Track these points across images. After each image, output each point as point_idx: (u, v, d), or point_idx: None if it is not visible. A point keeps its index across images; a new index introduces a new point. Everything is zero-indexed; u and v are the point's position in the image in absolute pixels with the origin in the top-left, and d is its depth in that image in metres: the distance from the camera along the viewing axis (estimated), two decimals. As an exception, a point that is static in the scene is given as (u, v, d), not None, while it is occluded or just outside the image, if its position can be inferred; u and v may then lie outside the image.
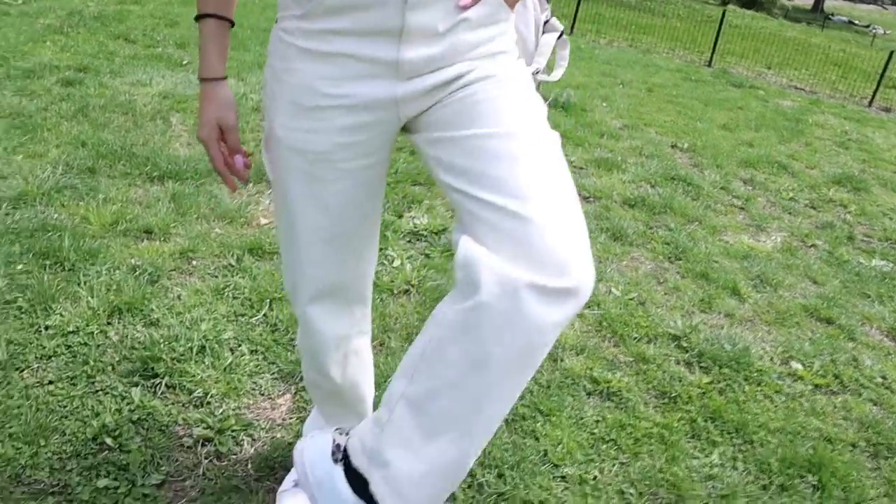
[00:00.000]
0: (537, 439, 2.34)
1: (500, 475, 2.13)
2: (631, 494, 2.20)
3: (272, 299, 2.83)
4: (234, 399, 2.29)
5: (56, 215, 3.23)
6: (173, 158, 4.01)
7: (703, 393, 2.75)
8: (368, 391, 1.89)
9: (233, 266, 3.04)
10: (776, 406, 2.77)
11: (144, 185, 3.72)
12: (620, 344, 2.99)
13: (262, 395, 2.36)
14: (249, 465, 2.07)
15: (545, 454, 2.28)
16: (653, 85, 8.91)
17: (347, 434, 1.30)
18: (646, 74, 9.67)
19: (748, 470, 2.41)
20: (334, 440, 1.30)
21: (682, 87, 9.34)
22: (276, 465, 2.08)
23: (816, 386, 2.97)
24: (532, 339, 1.09)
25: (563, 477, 2.22)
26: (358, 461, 1.24)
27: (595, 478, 2.24)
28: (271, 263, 3.12)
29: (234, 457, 2.10)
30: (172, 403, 2.24)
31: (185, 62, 6.17)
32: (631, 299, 3.37)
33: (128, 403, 2.19)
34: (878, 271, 4.20)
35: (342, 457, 1.27)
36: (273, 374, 2.44)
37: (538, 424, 2.41)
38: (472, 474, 2.15)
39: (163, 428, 2.12)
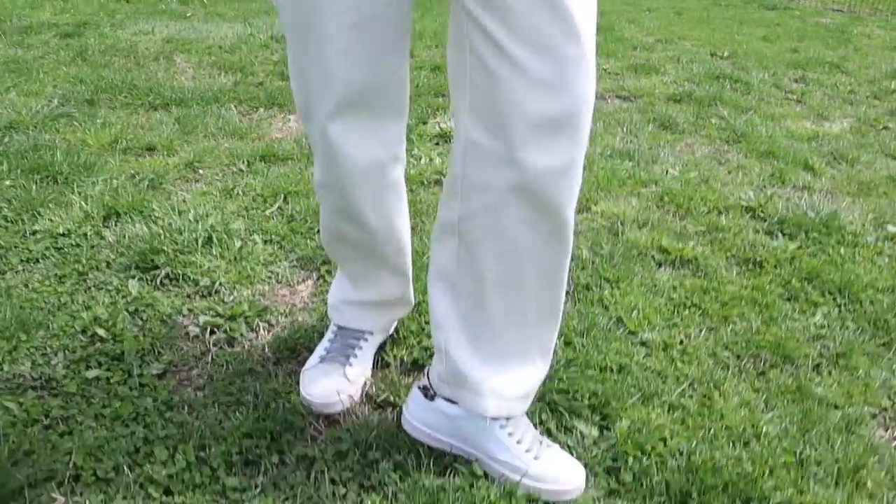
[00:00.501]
0: (606, 308, 1.96)
1: (567, 343, 1.76)
2: (727, 358, 1.82)
3: (287, 193, 2.49)
4: (248, 287, 1.95)
5: (50, 138, 2.92)
6: (178, 88, 3.68)
7: (793, 258, 2.34)
8: (406, 238, 1.53)
9: (243, 170, 2.71)
10: (880, 267, 2.36)
11: (147, 113, 3.40)
12: (687, 217, 2.60)
13: (280, 282, 2.01)
14: (267, 350, 1.73)
15: (619, 321, 1.91)
16: (681, 9, 8.41)
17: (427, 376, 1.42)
18: (673, 1, 9.16)
19: (861, 328, 2.01)
20: (418, 387, 1.44)
21: (713, 10, 8.81)
22: (298, 346, 1.74)
23: (921, 247, 2.54)
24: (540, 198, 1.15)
25: (642, 343, 1.85)
26: (444, 391, 1.38)
27: (681, 342, 1.86)
28: (286, 166, 2.77)
29: (248, 343, 1.76)
30: (175, 295, 1.91)
31: (188, 14, 5.86)
32: (692, 177, 2.97)
33: (124, 296, 1.87)
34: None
35: (433, 392, 1.41)
36: (291, 262, 2.10)
37: (605, 293, 2.04)
38: None
39: (164, 318, 1.79)
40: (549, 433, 1.52)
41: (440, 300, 1.31)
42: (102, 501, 1.29)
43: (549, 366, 1.36)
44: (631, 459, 1.45)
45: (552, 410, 1.58)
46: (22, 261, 2.04)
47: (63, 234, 2.16)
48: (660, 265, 2.25)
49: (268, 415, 1.48)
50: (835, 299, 2.16)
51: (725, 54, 5.72)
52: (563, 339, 1.79)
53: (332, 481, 1.37)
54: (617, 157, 3.13)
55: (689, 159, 3.21)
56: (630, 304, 1.98)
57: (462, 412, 1.36)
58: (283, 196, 2.47)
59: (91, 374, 1.60)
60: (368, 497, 1.32)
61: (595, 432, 1.53)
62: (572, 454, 1.43)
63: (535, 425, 1.49)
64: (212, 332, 1.78)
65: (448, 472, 1.39)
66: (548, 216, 1.17)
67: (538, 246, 1.19)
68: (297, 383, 1.59)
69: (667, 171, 3.02)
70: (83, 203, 2.33)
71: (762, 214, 2.67)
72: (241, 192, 2.49)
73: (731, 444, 1.50)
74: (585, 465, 1.41)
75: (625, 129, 3.52)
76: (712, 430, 1.54)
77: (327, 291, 1.91)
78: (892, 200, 2.95)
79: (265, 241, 2.19)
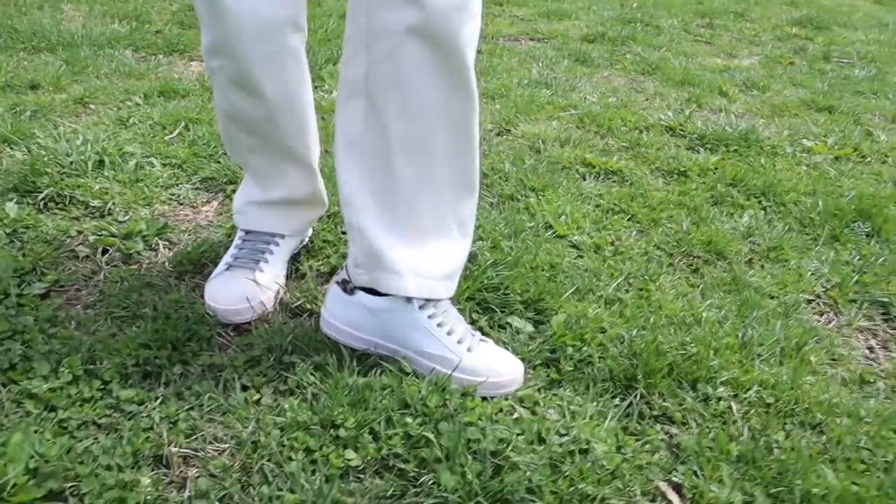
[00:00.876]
0: (532, 215, 1.86)
1: (493, 246, 1.65)
2: (659, 256, 1.74)
3: (189, 120, 2.29)
4: (145, 208, 1.76)
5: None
6: (66, 32, 3.38)
7: (716, 167, 2.30)
8: (310, 117, 1.38)
9: (139, 104, 2.49)
10: (800, 174, 2.34)
11: (31, 56, 3.10)
12: (608, 136, 2.53)
13: (182, 203, 1.83)
14: (167, 265, 1.55)
15: (547, 226, 1.81)
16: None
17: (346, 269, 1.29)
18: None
19: (789, 226, 1.98)
20: (336, 282, 1.31)
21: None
22: (203, 260, 1.57)
23: (836, 158, 2.55)
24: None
25: (573, 245, 1.76)
26: (361, 279, 1.26)
27: (612, 243, 1.77)
28: (187, 100, 2.56)
29: (146, 260, 1.57)
30: (62, 217, 1.70)
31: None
32: (610, 102, 2.91)
33: (1, 219, 1.64)
34: (863, 77, 3.80)
35: (352, 286, 1.29)
36: (194, 183, 1.92)
37: (531, 201, 1.94)
38: None
39: (48, 240, 1.59)
40: (481, 331, 1.40)
41: (349, 172, 1.18)
42: (-29, 417, 1.11)
43: (469, 243, 1.25)
44: (570, 350, 1.35)
45: (483, 308, 1.46)
46: None
47: (-72, 165, 1.91)
48: (584, 178, 2.17)
49: (168, 325, 1.32)
50: (760, 202, 2.12)
51: (634, 5, 5.71)
52: (489, 241, 1.67)
53: (244, 387, 1.22)
54: (534, 86, 3.04)
55: (606, 88, 3.15)
56: (557, 210, 1.89)
57: (385, 303, 1.23)
58: (183, 124, 2.27)
59: (-41, 295, 1.39)
60: (286, 400, 1.18)
61: (530, 328, 1.43)
62: (508, 350, 1.32)
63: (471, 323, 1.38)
64: (104, 252, 1.59)
65: (374, 370, 1.26)
66: (448, 58, 1.09)
67: (443, 97, 1.11)
68: (203, 296, 1.42)
69: (585, 98, 2.95)
70: (-48, 134, 2.07)
71: (682, 132, 2.62)
72: (137, 122, 2.28)
73: (672, 331, 1.42)
74: (523, 360, 1.30)
75: (541, 64, 3.44)
76: (651, 320, 1.45)
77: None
78: (805, 120, 2.96)
79: (164, 165, 1.99)
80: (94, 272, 1.54)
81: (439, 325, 1.24)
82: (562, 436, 1.15)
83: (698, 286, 1.64)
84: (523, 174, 2.07)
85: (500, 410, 1.20)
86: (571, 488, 1.05)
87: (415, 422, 1.14)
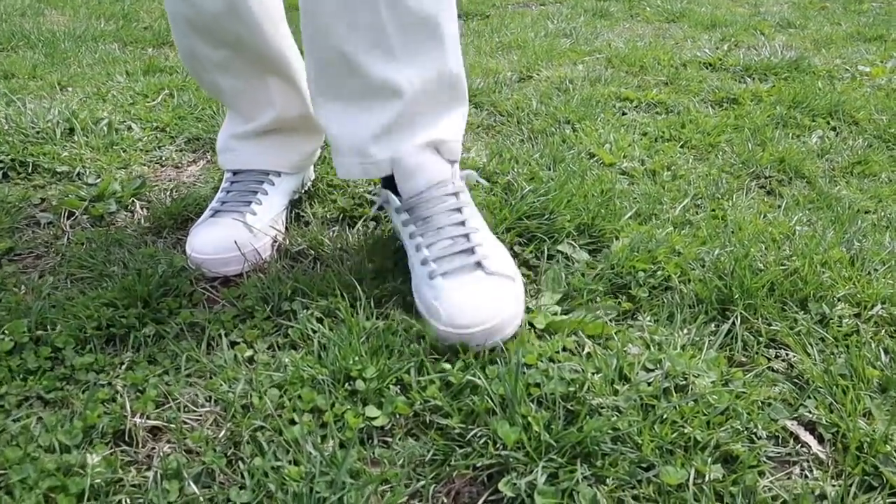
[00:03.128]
0: (571, 146, 1.57)
1: (531, 176, 1.37)
2: (726, 179, 1.45)
3: (174, 87, 2.03)
4: (122, 170, 1.49)
5: None
6: (48, 31, 3.18)
7: (770, 93, 2.00)
8: (284, 23, 1.12)
9: (120, 81, 2.23)
10: (865, 95, 2.03)
11: (7, 54, 2.87)
12: (642, 74, 2.24)
13: (164, 165, 1.57)
14: (143, 222, 1.28)
15: (591, 155, 1.52)
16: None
17: None
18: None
19: (869, 143, 1.67)
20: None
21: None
22: (188, 214, 1.30)
23: (903, 78, 2.24)
24: None
25: (623, 172, 1.47)
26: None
27: (669, 168, 1.48)
28: (172, 75, 2.30)
29: (119, 220, 1.30)
30: (23, 186, 1.43)
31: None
32: (639, 45, 2.61)
33: None
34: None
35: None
36: (178, 145, 1.66)
37: (567, 132, 1.66)
38: (487, 176, 1.40)
39: (6, 209, 1.32)
40: (527, 265, 1.12)
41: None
42: None
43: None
44: (641, 274, 1.07)
45: (527, 239, 1.18)
46: None
47: None
48: (624, 113, 1.88)
49: (140, 281, 1.05)
50: (828, 122, 1.83)
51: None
52: (525, 171, 1.39)
53: (233, 344, 0.95)
54: (553, 37, 2.76)
55: (631, 35, 2.87)
56: (599, 138, 1.60)
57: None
58: (168, 91, 2.01)
59: None
60: (285, 354, 0.91)
61: (585, 256, 1.15)
62: (558, 286, 1.04)
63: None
64: (69, 216, 1.32)
65: (396, 309, 0.98)
66: None
67: None
68: (184, 250, 1.16)
69: (610, 44, 2.67)
70: None
71: (723, 66, 2.34)
72: (116, 94, 2.02)
73: (763, 249, 1.13)
74: (579, 293, 1.02)
75: (556, 21, 3.16)
76: (733, 240, 1.16)
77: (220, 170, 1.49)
78: (857, 49, 2.66)
79: (144, 129, 1.73)
80: (56, 237, 1.28)
81: (411, 235, 0.97)
82: (649, 371, 0.86)
83: (779, 205, 1.35)
84: (555, 108, 1.79)
85: (564, 349, 0.92)
86: (674, 434, 0.76)
87: (455, 368, 0.85)
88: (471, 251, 0.96)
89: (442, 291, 0.91)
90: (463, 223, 0.98)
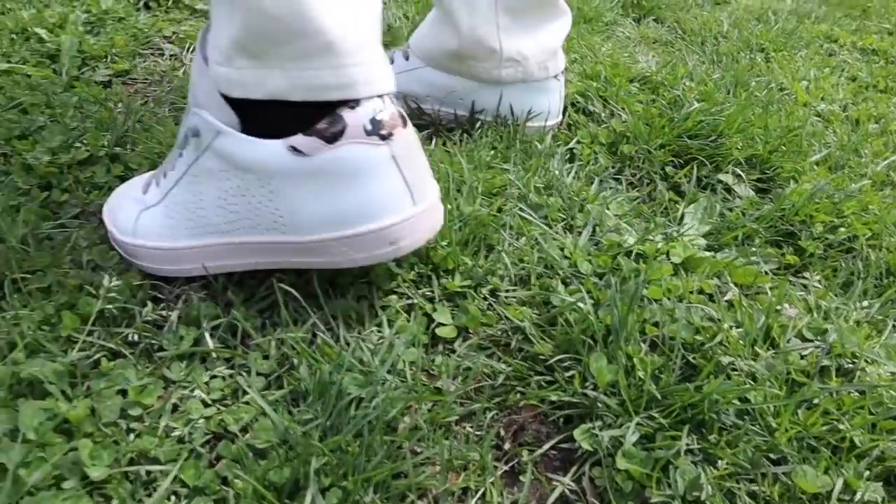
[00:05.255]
0: (759, 74, 1.31)
1: (704, 97, 1.13)
2: (947, 145, 1.15)
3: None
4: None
5: None
6: None
7: None
8: None
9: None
10: None
11: None
12: (862, 18, 1.89)
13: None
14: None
15: (781, 88, 1.26)
16: None
17: None
18: None
19: None
20: None
21: None
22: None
23: None
24: None
25: (818, 114, 1.21)
26: None
27: (878, 119, 1.20)
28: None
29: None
30: (161, 18, 1.36)
31: None
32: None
33: (87, 8, 1.32)
34: None
35: None
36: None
37: (757, 59, 1.39)
38: (652, 87, 1.18)
39: (136, 34, 1.26)
40: (676, 189, 0.92)
41: None
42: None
43: None
44: (819, 227, 0.84)
45: (683, 160, 0.97)
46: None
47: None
48: (831, 54, 1.58)
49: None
50: None
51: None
52: (697, 89, 1.16)
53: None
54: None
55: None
56: (796, 73, 1.34)
57: None
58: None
59: (4, 66, 1.07)
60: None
61: (750, 192, 0.92)
62: (708, 217, 0.83)
63: (656, 174, 0.91)
64: (193, 50, 1.22)
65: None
66: None
67: None
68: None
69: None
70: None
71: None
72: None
73: None
74: (732, 230, 0.81)
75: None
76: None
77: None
78: None
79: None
80: (174, 69, 1.18)
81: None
82: (806, 341, 0.66)
83: None
84: (750, 34, 1.52)
85: (700, 291, 0.72)
86: (824, 427, 0.56)
87: (559, 284, 0.68)
88: None
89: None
90: None
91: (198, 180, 0.62)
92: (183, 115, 0.64)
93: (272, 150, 0.59)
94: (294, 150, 0.58)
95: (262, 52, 0.57)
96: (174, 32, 1.34)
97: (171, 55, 1.25)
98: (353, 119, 0.58)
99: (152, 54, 1.26)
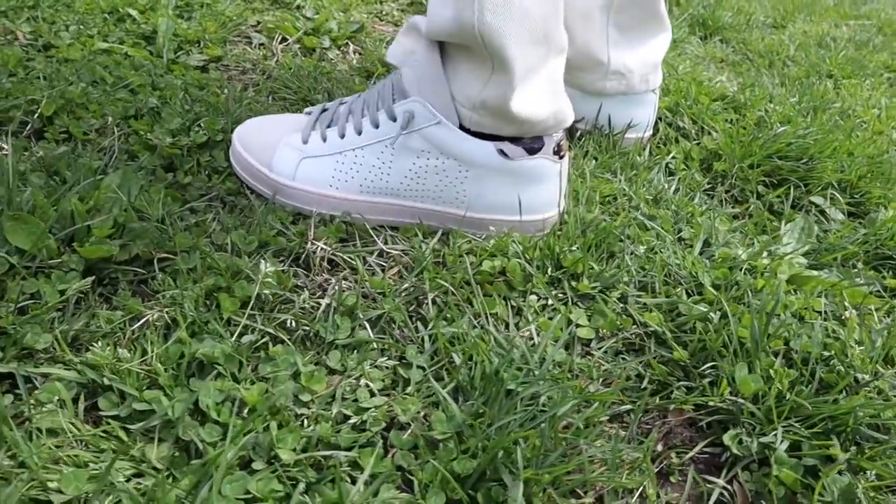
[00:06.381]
0: (829, 101, 1.33)
1: (787, 119, 1.15)
2: None
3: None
4: (341, 13, 1.40)
5: None
6: None
7: None
8: None
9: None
10: None
11: None
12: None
13: (382, 19, 1.46)
14: (356, 64, 1.19)
15: (855, 115, 1.28)
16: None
17: None
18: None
19: None
20: None
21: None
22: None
23: None
24: None
25: (893, 141, 1.22)
26: None
27: None
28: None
29: (332, 56, 1.21)
30: (244, 4, 1.37)
31: None
32: None
33: None
34: None
35: None
36: (400, 4, 1.54)
37: (827, 85, 1.41)
38: (735, 107, 1.20)
39: (223, 21, 1.26)
40: (770, 207, 0.94)
41: None
42: (64, 153, 0.79)
43: None
44: None
45: (776, 180, 0.99)
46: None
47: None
48: (892, 84, 1.60)
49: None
50: None
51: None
52: (778, 112, 1.18)
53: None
54: (813, -8, 2.44)
55: None
56: (866, 100, 1.36)
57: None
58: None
59: (104, 45, 1.09)
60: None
61: (840, 216, 0.94)
62: (807, 237, 0.85)
63: (751, 193, 0.93)
64: (283, 41, 1.25)
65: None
66: None
67: None
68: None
69: (880, 14, 2.31)
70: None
71: None
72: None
73: None
74: (831, 251, 0.83)
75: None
76: None
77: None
78: None
79: (367, -20, 1.63)
80: (265, 58, 1.20)
81: None
82: (924, 363, 0.67)
83: None
84: (814, 58, 1.54)
85: (808, 307, 0.74)
86: None
87: (684, 293, 0.70)
88: None
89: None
90: None
91: (393, 151, 0.75)
92: (377, 87, 0.75)
93: (484, 148, 0.74)
94: (502, 152, 0.75)
95: (504, 116, 0.72)
96: (258, 22, 1.36)
97: (259, 44, 1.27)
98: (549, 142, 0.77)
99: (240, 41, 1.27)
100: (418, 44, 0.76)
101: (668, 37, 1.02)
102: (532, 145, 0.76)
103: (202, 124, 0.89)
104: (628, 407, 0.60)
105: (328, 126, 0.79)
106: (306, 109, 0.85)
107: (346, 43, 1.32)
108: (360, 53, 1.29)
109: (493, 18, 0.67)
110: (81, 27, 1.19)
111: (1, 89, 0.92)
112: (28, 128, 0.87)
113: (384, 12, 1.53)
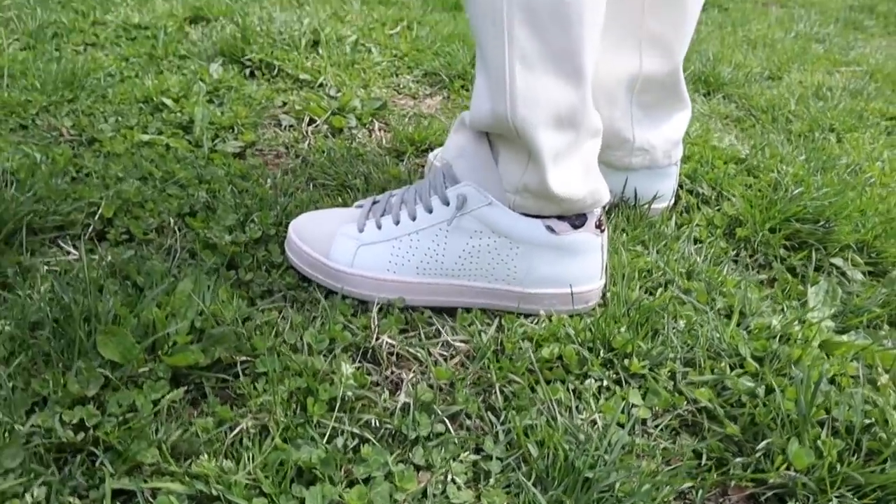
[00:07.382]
0: (832, 155, 1.40)
1: (797, 180, 1.22)
2: None
3: (413, 20, 2.00)
4: (361, 90, 1.47)
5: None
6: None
7: None
8: None
9: (355, 6, 2.22)
10: None
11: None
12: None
13: (401, 93, 1.52)
14: (385, 143, 1.24)
15: (857, 170, 1.34)
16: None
17: None
18: None
19: None
20: None
21: None
22: (431, 144, 1.24)
23: None
24: None
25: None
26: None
27: None
28: (408, 8, 2.28)
29: (360, 135, 1.27)
30: (268, 87, 1.44)
31: None
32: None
33: (201, 77, 1.40)
34: None
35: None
36: (416, 76, 1.61)
37: (830, 140, 1.48)
38: (749, 169, 1.26)
39: (251, 104, 1.32)
40: (793, 272, 0.99)
41: None
42: (132, 257, 0.84)
43: None
44: None
45: (797, 244, 1.04)
46: (86, 43, 1.61)
47: (138, 27, 1.72)
48: (889, 133, 1.67)
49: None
50: None
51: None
52: (789, 173, 1.24)
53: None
54: (803, 39, 2.53)
55: (892, 52, 2.58)
56: (869, 153, 1.42)
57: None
58: (406, 23, 1.98)
59: (145, 137, 1.15)
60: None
61: (859, 276, 0.99)
62: (832, 300, 0.91)
63: (774, 257, 0.98)
64: (311, 122, 1.31)
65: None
66: None
67: None
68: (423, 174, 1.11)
69: (870, 59, 2.40)
70: (166, 0, 1.89)
71: None
72: (354, 18, 2.01)
73: None
74: (856, 314, 0.88)
75: (803, 24, 2.90)
76: None
77: (460, 108, 1.44)
78: None
79: (383, 54, 1.70)
80: (297, 140, 1.26)
81: None
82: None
83: None
84: (815, 113, 1.61)
85: (843, 374, 0.79)
86: None
87: (731, 372, 0.75)
88: None
89: None
90: None
91: (446, 234, 0.81)
92: (427, 178, 0.82)
93: (532, 225, 0.81)
94: (550, 228, 0.81)
95: (545, 197, 0.78)
96: (284, 102, 1.42)
97: (288, 125, 1.33)
98: (592, 217, 0.83)
99: (270, 123, 1.33)
100: (466, 137, 0.82)
101: (688, 114, 1.08)
102: (576, 221, 0.82)
103: (255, 219, 0.94)
104: (690, 484, 0.64)
105: (382, 215, 0.85)
106: (356, 203, 0.90)
107: (371, 120, 1.38)
108: (385, 131, 1.35)
109: (524, 110, 0.72)
110: (120, 119, 1.24)
111: (59, 192, 0.97)
112: (90, 230, 0.92)
113: (401, 85, 1.60)
